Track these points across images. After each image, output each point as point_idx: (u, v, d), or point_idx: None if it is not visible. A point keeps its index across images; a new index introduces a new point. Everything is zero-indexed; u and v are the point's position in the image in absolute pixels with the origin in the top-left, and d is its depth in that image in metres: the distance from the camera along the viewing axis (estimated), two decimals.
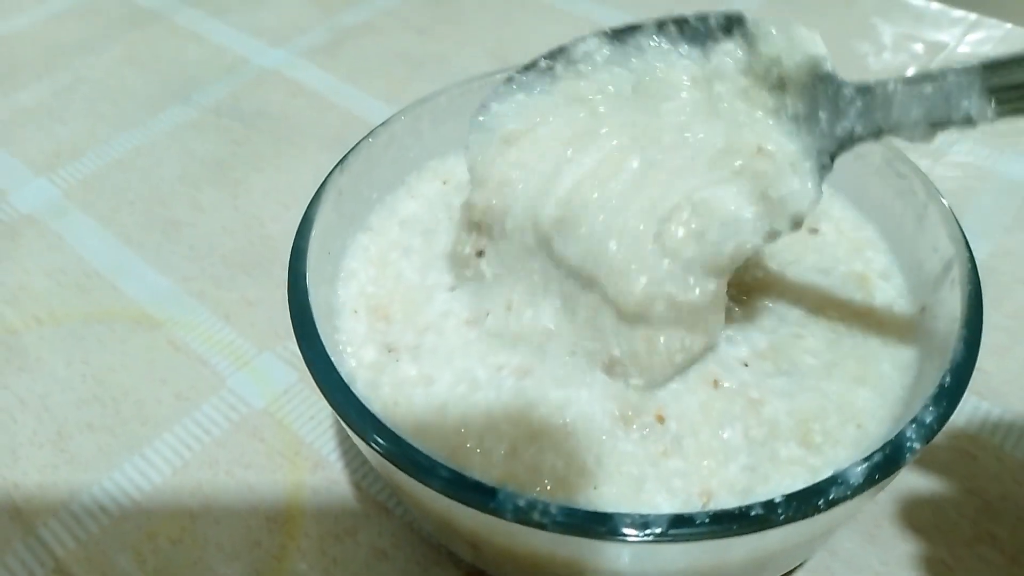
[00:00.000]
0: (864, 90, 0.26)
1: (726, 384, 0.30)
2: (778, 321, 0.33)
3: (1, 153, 0.58)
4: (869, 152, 0.35)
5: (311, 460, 0.39)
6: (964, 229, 0.48)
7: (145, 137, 0.58)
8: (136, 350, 0.45)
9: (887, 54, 0.61)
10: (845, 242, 0.36)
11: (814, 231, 0.36)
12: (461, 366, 0.31)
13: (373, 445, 0.26)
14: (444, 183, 0.39)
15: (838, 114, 0.27)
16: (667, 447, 0.29)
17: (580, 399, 0.30)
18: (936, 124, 0.24)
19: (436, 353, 0.32)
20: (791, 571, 0.35)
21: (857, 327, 0.32)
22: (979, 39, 0.61)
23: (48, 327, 0.46)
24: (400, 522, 0.37)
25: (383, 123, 0.37)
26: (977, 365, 0.42)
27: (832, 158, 0.27)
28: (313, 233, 0.32)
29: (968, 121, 0.24)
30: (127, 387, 0.43)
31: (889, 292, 0.33)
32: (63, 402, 0.43)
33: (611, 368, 0.30)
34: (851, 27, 0.64)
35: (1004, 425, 0.39)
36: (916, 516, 0.36)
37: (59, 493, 0.39)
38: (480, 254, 0.33)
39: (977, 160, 0.53)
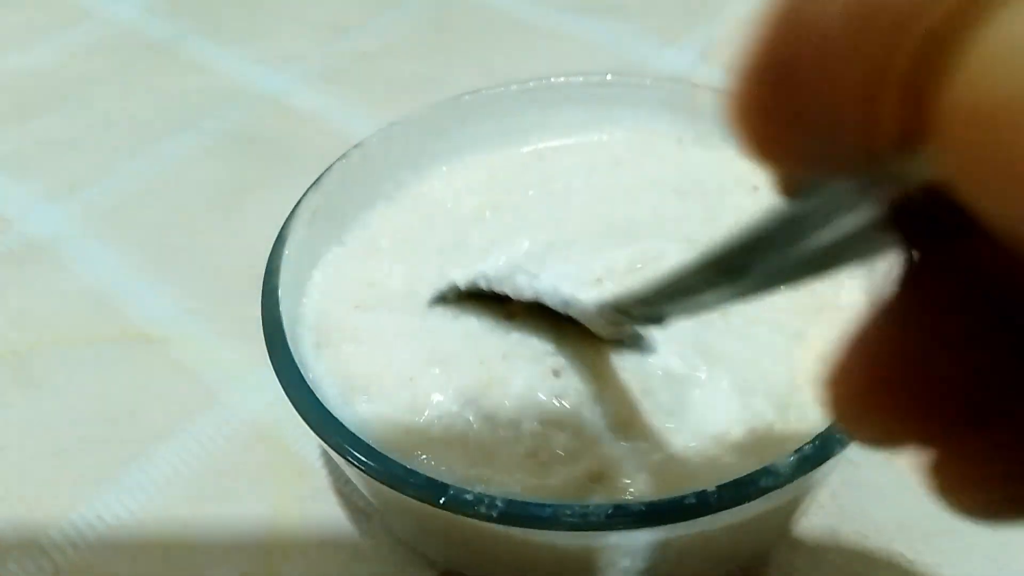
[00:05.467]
0: None
1: None
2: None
3: (14, 182, 0.60)
4: None
5: (296, 469, 0.41)
6: None
7: (149, 165, 0.61)
8: (135, 368, 0.47)
9: None
10: None
11: None
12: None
13: (317, 432, 0.27)
14: (415, 199, 0.40)
15: None
16: None
17: None
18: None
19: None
20: (755, 567, 0.36)
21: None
22: None
23: (53, 348, 0.49)
24: (379, 526, 0.38)
25: (357, 144, 0.39)
26: None
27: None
28: (286, 252, 0.34)
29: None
30: (126, 404, 0.45)
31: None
32: (65, 419, 0.45)
33: None
34: None
35: None
36: (878, 513, 0.37)
37: (60, 505, 0.41)
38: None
39: None
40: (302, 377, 0.30)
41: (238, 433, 0.43)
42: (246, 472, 0.41)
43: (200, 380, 0.46)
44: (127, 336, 0.49)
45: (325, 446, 0.28)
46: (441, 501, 0.26)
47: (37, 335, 0.49)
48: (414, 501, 0.28)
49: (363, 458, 0.27)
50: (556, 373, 0.32)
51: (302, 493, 0.40)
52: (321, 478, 0.41)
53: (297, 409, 0.29)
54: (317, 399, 0.29)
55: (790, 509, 0.31)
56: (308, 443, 0.42)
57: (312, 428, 0.28)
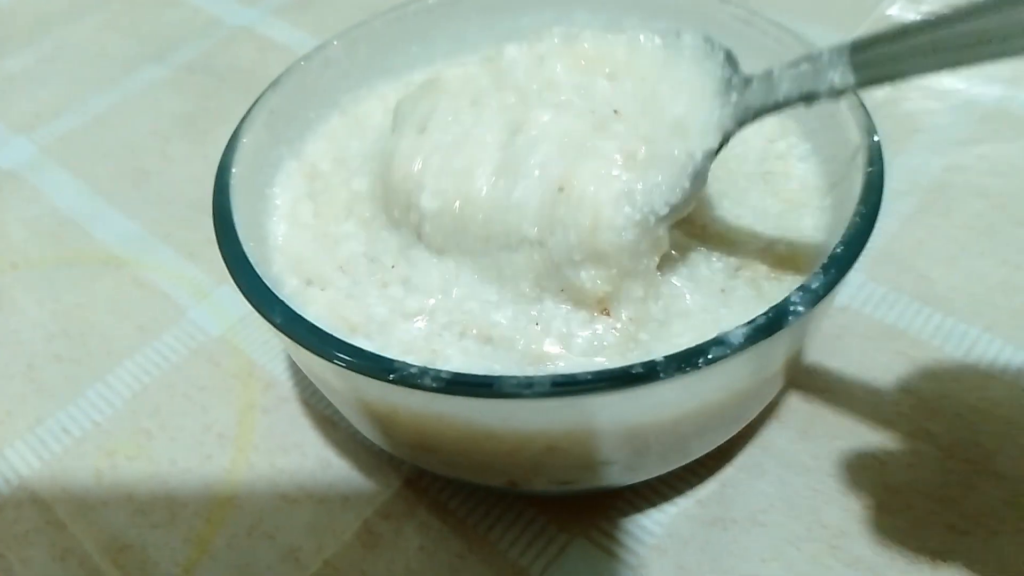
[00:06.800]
0: (761, 76, 0.29)
1: None
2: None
3: None
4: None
5: (263, 381, 0.41)
6: (919, 145, 0.49)
7: (120, 96, 0.60)
8: (103, 288, 0.46)
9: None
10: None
11: None
12: None
13: (276, 323, 0.27)
14: (380, 106, 0.39)
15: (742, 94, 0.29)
16: None
17: None
18: (808, 96, 0.27)
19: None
20: (721, 464, 0.35)
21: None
22: None
23: (23, 271, 0.48)
24: (345, 433, 0.38)
25: (318, 46, 0.38)
26: (924, 273, 0.42)
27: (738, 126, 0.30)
28: (240, 150, 0.33)
29: (833, 91, 0.26)
30: (93, 322, 0.45)
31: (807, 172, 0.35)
32: (34, 337, 0.44)
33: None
34: None
35: (945, 329, 0.39)
36: (851, 413, 0.36)
37: (27, 419, 0.41)
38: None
39: (937, 81, 0.52)
40: (254, 271, 0.29)
41: (204, 348, 0.43)
42: (212, 385, 0.41)
43: (168, 298, 0.45)
44: (97, 259, 0.48)
45: (280, 335, 0.28)
46: (391, 378, 0.25)
47: (9, 259, 0.49)
48: (368, 389, 0.27)
49: (309, 337, 0.26)
50: None
51: (267, 404, 0.40)
52: (287, 389, 0.40)
53: (247, 297, 0.28)
54: (270, 289, 0.28)
55: (754, 390, 0.30)
56: (274, 356, 0.42)
57: (258, 310, 0.28)
